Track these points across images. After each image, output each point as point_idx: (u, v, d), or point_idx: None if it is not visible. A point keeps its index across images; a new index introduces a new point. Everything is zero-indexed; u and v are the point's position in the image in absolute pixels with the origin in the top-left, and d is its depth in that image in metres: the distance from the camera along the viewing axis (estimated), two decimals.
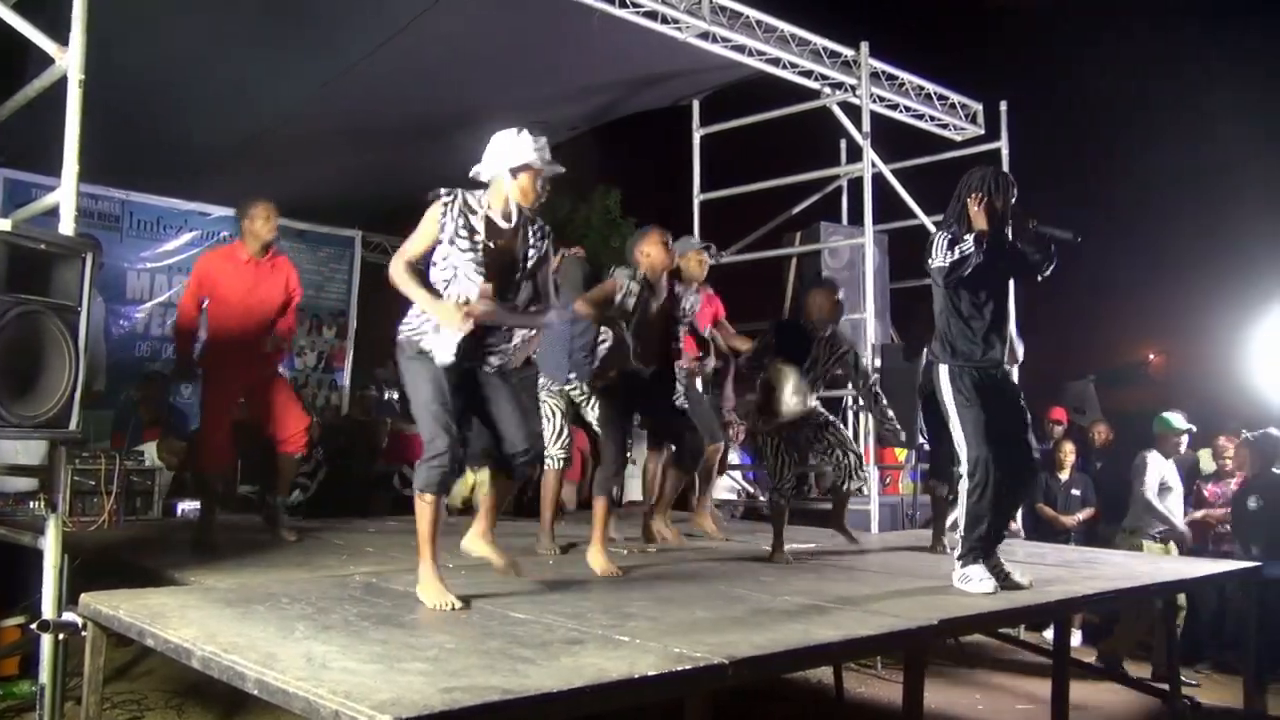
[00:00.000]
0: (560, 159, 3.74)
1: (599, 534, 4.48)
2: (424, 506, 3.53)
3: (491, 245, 3.62)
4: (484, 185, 3.71)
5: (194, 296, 5.37)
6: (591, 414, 5.48)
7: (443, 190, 3.61)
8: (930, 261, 4.34)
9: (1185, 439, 7.44)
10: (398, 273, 3.58)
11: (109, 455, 5.93)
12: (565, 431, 5.45)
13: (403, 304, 3.71)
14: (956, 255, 4.23)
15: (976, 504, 4.26)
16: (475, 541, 3.89)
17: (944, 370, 4.38)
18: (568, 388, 5.43)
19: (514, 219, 3.69)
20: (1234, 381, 10.51)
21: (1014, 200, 4.34)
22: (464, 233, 3.58)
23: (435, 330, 3.57)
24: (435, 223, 3.59)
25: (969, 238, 4.23)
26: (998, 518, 4.38)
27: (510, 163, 3.62)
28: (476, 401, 3.73)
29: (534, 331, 4.89)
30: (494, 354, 3.74)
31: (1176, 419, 7.40)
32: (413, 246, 3.63)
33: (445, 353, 3.55)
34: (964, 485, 4.32)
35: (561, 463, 5.45)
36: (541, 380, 5.51)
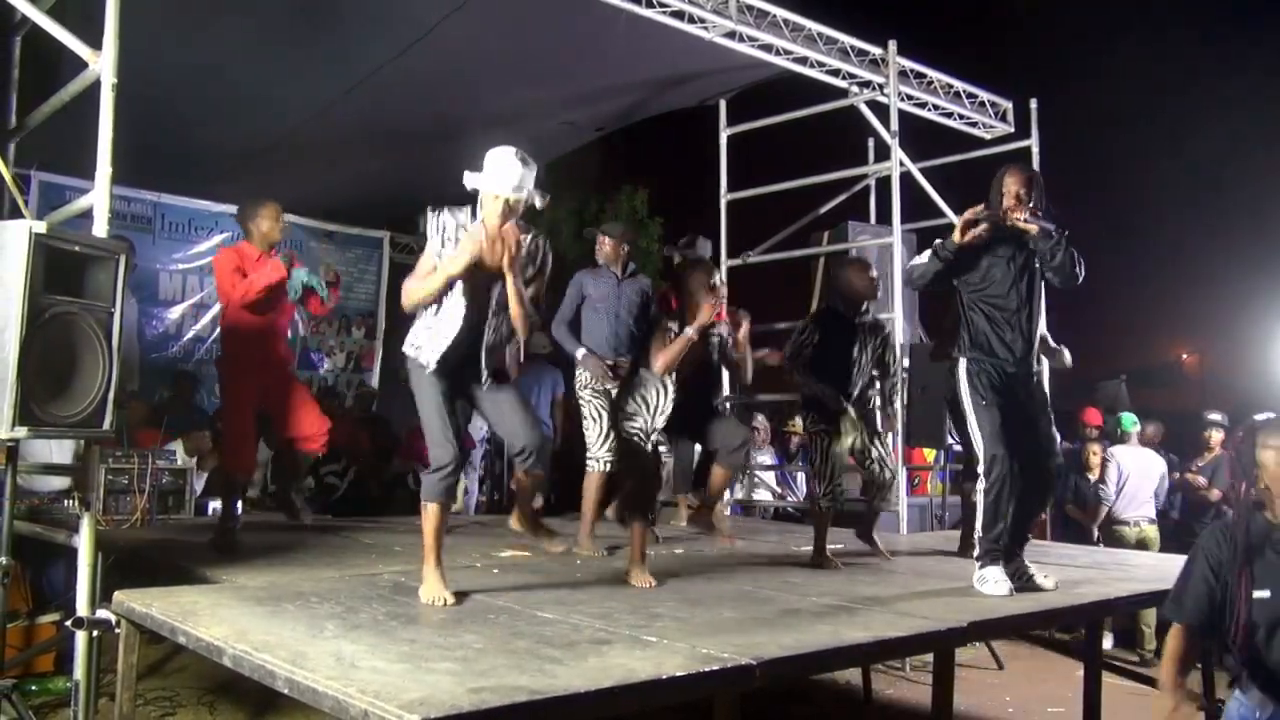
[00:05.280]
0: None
1: (638, 554, 4.30)
2: (429, 514, 3.67)
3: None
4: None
5: (241, 275, 5.15)
6: None
7: (429, 210, 3.72)
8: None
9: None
10: (412, 288, 3.70)
11: (141, 454, 6.00)
12: (611, 434, 5.24)
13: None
14: (915, 261, 4.37)
15: (993, 504, 4.20)
16: (516, 521, 4.35)
17: (961, 365, 4.35)
18: (610, 387, 5.34)
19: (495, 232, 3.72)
20: (1267, 380, 10.39)
21: (1032, 196, 4.28)
22: (450, 245, 3.67)
23: (427, 340, 3.71)
24: (432, 239, 3.71)
25: (934, 244, 4.31)
26: (1019, 518, 4.35)
27: (486, 187, 3.67)
28: (481, 410, 3.92)
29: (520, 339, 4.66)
30: (487, 360, 3.80)
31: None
32: (417, 273, 3.75)
33: (432, 356, 3.67)
34: (980, 485, 4.26)
35: (608, 465, 5.26)
36: (584, 376, 5.41)
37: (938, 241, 4.26)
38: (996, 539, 4.22)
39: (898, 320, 7.49)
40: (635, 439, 4.40)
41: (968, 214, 4.22)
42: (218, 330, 9.42)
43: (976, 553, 4.28)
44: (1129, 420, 8.14)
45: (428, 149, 8.23)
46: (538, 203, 3.70)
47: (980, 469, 4.26)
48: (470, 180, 3.70)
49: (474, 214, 3.71)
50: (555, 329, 5.57)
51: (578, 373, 5.49)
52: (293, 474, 5.75)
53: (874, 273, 5.39)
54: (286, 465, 5.77)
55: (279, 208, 5.35)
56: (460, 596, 3.56)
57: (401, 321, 3.81)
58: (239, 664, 2.68)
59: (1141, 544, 7.64)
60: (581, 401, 5.42)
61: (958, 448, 7.20)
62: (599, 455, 5.28)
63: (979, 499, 4.29)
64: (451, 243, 3.65)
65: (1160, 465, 8.01)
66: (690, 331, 4.50)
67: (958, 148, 8.82)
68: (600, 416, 5.32)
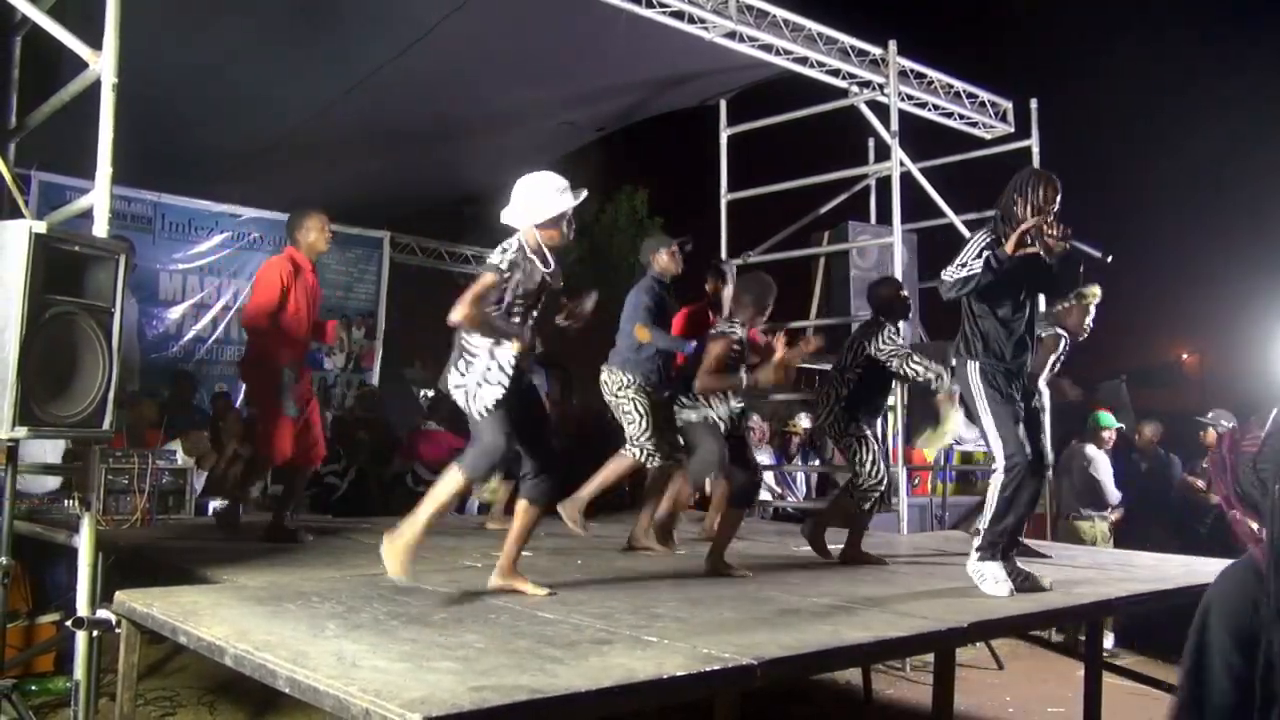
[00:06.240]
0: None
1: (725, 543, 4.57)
2: (455, 481, 3.60)
3: (537, 293, 3.74)
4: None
5: (278, 296, 5.19)
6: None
7: (498, 262, 3.64)
8: (945, 270, 4.34)
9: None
10: (479, 315, 3.56)
11: (141, 455, 6.00)
12: (653, 428, 5.33)
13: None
14: (964, 273, 4.25)
15: (1009, 498, 4.24)
16: (502, 578, 3.83)
17: (975, 367, 4.35)
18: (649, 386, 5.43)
19: (550, 261, 3.76)
20: (1267, 380, 10.39)
21: (1055, 206, 4.28)
22: (521, 294, 3.67)
23: (485, 380, 3.62)
24: (496, 276, 3.62)
25: (984, 255, 4.21)
26: (1018, 517, 4.36)
27: (546, 215, 3.69)
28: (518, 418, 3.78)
29: None
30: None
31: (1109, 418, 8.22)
32: (480, 291, 3.61)
33: (493, 399, 3.61)
34: (997, 478, 4.28)
35: (653, 457, 5.32)
36: (625, 378, 5.45)
37: (988, 254, 4.20)
38: (1002, 532, 4.25)
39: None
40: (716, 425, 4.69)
41: (1024, 227, 4.18)
42: (219, 330, 9.49)
43: (978, 542, 4.29)
44: (1099, 418, 8.17)
45: (428, 149, 8.24)
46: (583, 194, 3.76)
47: (1000, 463, 4.27)
48: (522, 217, 3.70)
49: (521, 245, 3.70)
50: (656, 335, 5.49)
51: (619, 375, 5.47)
52: (289, 495, 5.66)
53: (905, 291, 5.62)
54: (287, 486, 5.74)
55: (325, 218, 5.45)
56: (461, 596, 3.55)
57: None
58: (240, 664, 2.68)
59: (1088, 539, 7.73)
60: (624, 401, 5.44)
61: (959, 447, 7.21)
62: (644, 445, 5.35)
63: (993, 491, 4.29)
64: (519, 269, 3.64)
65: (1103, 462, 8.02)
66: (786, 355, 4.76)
67: (958, 148, 8.82)
68: (646, 413, 5.38)
